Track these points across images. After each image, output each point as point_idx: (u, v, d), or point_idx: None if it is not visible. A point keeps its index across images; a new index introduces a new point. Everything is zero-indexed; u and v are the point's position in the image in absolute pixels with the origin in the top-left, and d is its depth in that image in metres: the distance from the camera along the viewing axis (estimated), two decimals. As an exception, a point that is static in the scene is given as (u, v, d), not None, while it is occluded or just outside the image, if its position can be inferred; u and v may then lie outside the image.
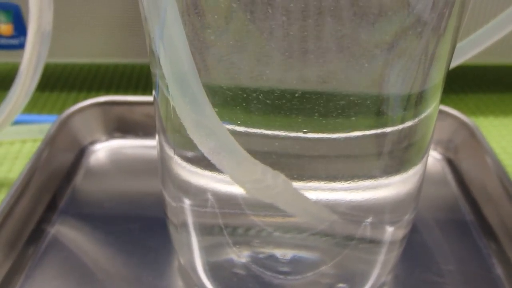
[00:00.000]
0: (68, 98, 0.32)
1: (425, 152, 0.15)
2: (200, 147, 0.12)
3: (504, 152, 0.28)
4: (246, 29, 0.12)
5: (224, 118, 0.13)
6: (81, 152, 0.25)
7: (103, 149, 0.25)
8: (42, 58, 0.19)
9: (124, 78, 0.35)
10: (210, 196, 0.15)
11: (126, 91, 0.33)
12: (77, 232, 0.20)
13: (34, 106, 0.31)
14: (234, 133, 0.13)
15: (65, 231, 0.20)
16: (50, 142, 0.23)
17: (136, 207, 0.22)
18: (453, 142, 0.25)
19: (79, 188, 0.23)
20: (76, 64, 0.36)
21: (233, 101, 0.13)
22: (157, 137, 0.16)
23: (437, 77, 0.14)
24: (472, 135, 0.24)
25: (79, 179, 0.23)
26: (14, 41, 0.28)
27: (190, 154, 0.14)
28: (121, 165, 0.24)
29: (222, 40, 0.12)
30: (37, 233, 0.20)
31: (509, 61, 0.31)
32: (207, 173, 0.14)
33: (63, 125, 0.24)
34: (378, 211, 0.15)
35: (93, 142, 0.26)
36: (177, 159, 0.15)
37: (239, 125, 0.13)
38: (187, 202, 0.16)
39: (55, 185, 0.22)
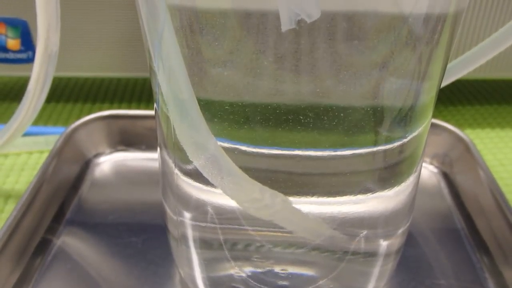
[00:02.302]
0: (74, 109, 0.33)
1: (417, 166, 0.16)
2: (199, 168, 0.13)
3: (500, 165, 0.28)
4: (244, 46, 0.12)
5: (221, 135, 0.13)
6: (86, 165, 0.26)
7: (107, 162, 0.26)
8: (49, 77, 0.19)
9: (128, 91, 0.35)
10: (210, 211, 0.15)
11: (129, 103, 0.34)
12: (82, 244, 0.21)
13: (40, 117, 0.32)
14: (232, 150, 0.13)
15: (71, 243, 0.21)
16: (56, 155, 0.24)
17: (140, 219, 0.22)
18: (448, 156, 0.25)
19: (84, 200, 0.23)
20: (82, 78, 0.37)
21: (230, 118, 0.13)
22: (158, 150, 0.16)
23: (430, 94, 0.14)
24: (467, 149, 0.24)
25: (84, 192, 0.24)
26: (22, 55, 0.29)
27: (191, 168, 0.15)
28: (125, 178, 0.25)
29: (221, 59, 0.12)
30: (44, 244, 0.21)
31: (505, 75, 0.32)
32: (207, 187, 0.15)
33: (68, 139, 0.25)
34: (373, 225, 0.16)
35: (97, 155, 0.26)
36: (178, 173, 0.15)
37: (237, 142, 0.14)
38: (187, 215, 0.16)
39: (61, 197, 0.23)
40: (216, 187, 0.13)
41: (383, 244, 0.16)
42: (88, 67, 0.30)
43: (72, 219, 0.22)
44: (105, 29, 0.29)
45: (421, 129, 0.15)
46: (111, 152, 0.26)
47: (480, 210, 0.22)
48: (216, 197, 0.15)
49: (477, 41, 0.29)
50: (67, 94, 0.35)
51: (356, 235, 0.16)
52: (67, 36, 0.28)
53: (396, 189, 0.15)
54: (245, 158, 0.14)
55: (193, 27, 0.12)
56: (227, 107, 0.13)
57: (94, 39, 0.29)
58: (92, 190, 0.24)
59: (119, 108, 0.33)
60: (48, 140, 0.28)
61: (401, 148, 0.14)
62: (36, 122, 0.32)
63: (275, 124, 0.13)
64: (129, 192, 0.24)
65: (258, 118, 0.13)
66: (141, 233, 0.21)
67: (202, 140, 0.12)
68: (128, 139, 0.26)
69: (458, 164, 0.25)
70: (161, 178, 0.17)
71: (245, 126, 0.13)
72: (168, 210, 0.17)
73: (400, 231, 0.17)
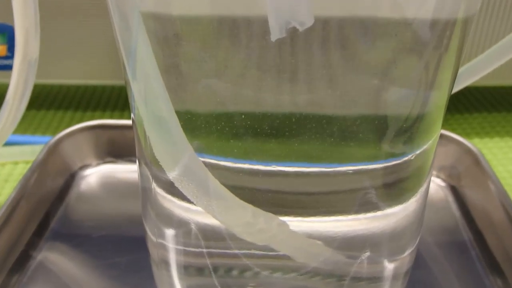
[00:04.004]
0: (64, 117, 0.32)
1: (425, 181, 0.15)
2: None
3: (510, 176, 0.27)
4: (225, 55, 0.11)
5: (205, 151, 0.13)
6: (72, 178, 0.25)
7: (94, 175, 0.25)
8: (29, 85, 0.18)
9: (121, 99, 0.35)
10: (193, 231, 0.14)
11: (122, 112, 0.33)
12: (63, 264, 0.20)
13: (29, 125, 0.31)
14: (220, 168, 0.13)
15: (52, 261, 0.20)
16: (38, 167, 0.23)
17: (127, 236, 0.21)
18: (456, 168, 0.24)
19: (68, 216, 0.22)
20: (74, 85, 0.36)
21: (215, 133, 0.12)
22: (137, 163, 0.15)
23: (439, 105, 0.14)
24: (476, 161, 0.23)
25: (68, 206, 0.23)
26: (9, 62, 0.28)
27: (171, 185, 0.14)
28: (113, 191, 0.24)
29: (201, 69, 0.12)
30: (23, 262, 0.20)
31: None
32: (189, 205, 0.14)
33: (52, 150, 0.24)
34: (378, 245, 0.15)
35: (83, 167, 0.25)
36: (156, 188, 0.14)
37: (224, 159, 0.13)
38: (168, 237, 0.15)
39: (43, 213, 0.22)
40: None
41: (389, 266, 0.16)
42: (80, 74, 0.30)
43: (54, 236, 0.21)
44: (98, 36, 0.28)
45: (429, 142, 0.14)
46: (98, 164, 0.25)
47: (492, 227, 0.21)
48: (199, 215, 0.14)
49: (484, 47, 0.28)
50: (59, 102, 0.34)
51: (360, 256, 0.15)
52: (59, 44, 0.28)
53: (402, 206, 0.14)
54: (235, 177, 0.13)
55: (168, 36, 0.11)
56: (211, 121, 0.12)
57: (87, 47, 0.29)
58: (77, 204, 0.23)
59: (111, 116, 0.32)
60: (35, 150, 0.27)
61: (408, 163, 0.14)
62: (24, 131, 0.31)
63: (267, 138, 0.12)
64: (116, 207, 0.23)
65: (248, 132, 0.12)
66: (126, 252, 0.20)
67: (184, 160, 0.11)
68: (117, 150, 0.25)
69: (466, 177, 0.24)
70: (141, 196, 0.16)
71: (233, 142, 0.12)
72: (148, 231, 0.16)
73: (407, 252, 0.16)
